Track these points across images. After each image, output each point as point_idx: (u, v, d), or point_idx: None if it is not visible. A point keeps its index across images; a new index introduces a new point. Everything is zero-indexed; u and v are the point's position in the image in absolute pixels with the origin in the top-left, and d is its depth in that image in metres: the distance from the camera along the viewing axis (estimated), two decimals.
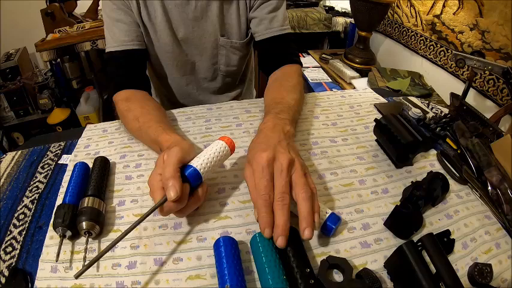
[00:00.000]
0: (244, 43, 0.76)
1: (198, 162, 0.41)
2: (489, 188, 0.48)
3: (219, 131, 0.61)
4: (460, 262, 0.39)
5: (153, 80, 0.85)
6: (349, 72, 1.38)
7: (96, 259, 0.34)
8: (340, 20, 1.73)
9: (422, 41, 1.31)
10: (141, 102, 0.61)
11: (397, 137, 0.50)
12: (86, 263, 0.37)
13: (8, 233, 0.43)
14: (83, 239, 0.40)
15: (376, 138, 0.58)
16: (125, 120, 0.59)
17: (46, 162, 0.56)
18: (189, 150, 0.43)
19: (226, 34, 0.74)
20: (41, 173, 0.53)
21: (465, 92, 0.94)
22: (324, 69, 1.54)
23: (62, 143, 0.61)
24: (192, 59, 0.77)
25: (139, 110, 0.58)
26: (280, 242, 0.35)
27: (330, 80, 1.43)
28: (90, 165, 0.50)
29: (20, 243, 0.42)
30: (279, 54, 0.72)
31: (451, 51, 1.16)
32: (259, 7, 0.70)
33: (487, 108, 1.02)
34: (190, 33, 0.72)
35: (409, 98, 0.75)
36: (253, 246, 0.38)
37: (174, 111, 0.68)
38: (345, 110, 0.68)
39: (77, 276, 0.33)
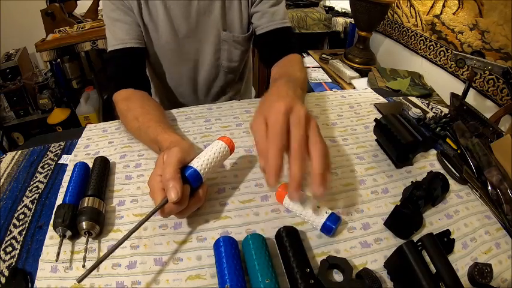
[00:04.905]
0: (246, 37, 0.77)
1: (198, 163, 0.41)
2: (489, 188, 0.48)
3: (219, 131, 0.61)
4: (460, 262, 0.39)
5: (153, 80, 0.85)
6: (349, 72, 1.38)
7: (98, 263, 0.34)
8: (340, 20, 1.73)
9: (422, 41, 1.31)
10: (141, 102, 0.61)
11: (397, 137, 0.50)
12: (85, 264, 0.37)
13: (8, 233, 0.43)
14: (83, 239, 0.40)
15: (376, 138, 0.58)
16: (124, 119, 0.59)
17: (46, 162, 0.56)
18: (189, 150, 0.43)
19: (228, 29, 0.75)
20: (41, 173, 0.53)
21: (465, 92, 0.94)
22: (324, 69, 1.54)
23: (62, 143, 0.61)
24: (194, 56, 0.77)
25: (139, 109, 0.58)
26: (294, 195, 0.34)
27: (330, 80, 1.43)
28: (90, 165, 0.50)
29: (20, 243, 0.41)
30: (281, 46, 0.73)
31: (451, 51, 1.16)
32: (261, 2, 0.72)
33: (487, 108, 1.02)
34: (192, 31, 0.72)
35: (409, 98, 0.75)
36: (244, 248, 0.37)
37: (174, 111, 0.68)
38: (345, 110, 0.68)
39: (79, 281, 0.32)
